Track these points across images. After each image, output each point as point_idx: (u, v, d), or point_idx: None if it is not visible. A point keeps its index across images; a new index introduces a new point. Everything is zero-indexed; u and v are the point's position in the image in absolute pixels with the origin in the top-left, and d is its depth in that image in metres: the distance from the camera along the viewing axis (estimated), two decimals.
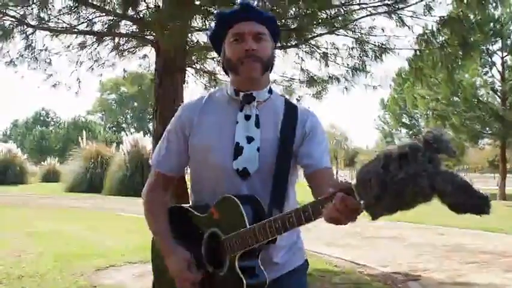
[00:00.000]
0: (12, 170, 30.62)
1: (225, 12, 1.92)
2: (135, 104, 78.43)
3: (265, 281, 1.77)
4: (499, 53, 24.00)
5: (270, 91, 1.95)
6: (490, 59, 23.94)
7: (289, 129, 1.88)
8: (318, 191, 1.79)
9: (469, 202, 1.19)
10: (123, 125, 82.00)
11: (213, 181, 1.87)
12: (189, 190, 2.09)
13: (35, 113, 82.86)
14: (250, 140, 1.85)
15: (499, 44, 23.77)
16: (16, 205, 15.93)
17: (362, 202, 1.36)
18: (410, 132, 31.67)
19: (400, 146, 1.27)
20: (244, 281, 1.72)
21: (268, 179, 1.83)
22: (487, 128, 24.12)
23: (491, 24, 21.84)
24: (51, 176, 32.01)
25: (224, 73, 2.01)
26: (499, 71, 24.17)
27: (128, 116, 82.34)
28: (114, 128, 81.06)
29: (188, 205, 2.00)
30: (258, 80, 1.88)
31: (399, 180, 1.23)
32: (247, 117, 1.88)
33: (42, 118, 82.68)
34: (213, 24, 1.98)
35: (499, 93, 24.18)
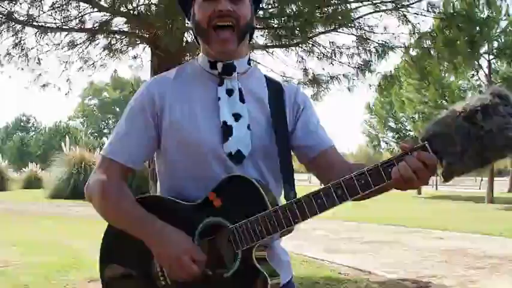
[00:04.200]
0: None
1: None
2: (117, 109, 77.69)
3: (279, 276, 1.48)
4: (486, 56, 24.01)
5: (249, 62, 1.67)
6: (476, 62, 23.95)
7: (278, 104, 1.62)
8: (328, 174, 1.55)
9: None
10: (105, 131, 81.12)
11: (197, 169, 1.54)
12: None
13: (15, 119, 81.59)
14: (237, 117, 1.56)
15: (485, 47, 23.80)
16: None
17: (443, 160, 1.22)
18: (397, 136, 31.66)
19: (478, 99, 1.19)
20: (269, 279, 1.40)
21: (263, 161, 1.57)
22: None
23: (477, 27, 21.90)
24: (33, 183, 31.29)
25: (196, 42, 1.67)
26: (485, 74, 24.19)
27: (110, 122, 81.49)
28: (95, 134, 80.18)
29: (163, 196, 1.62)
30: (234, 51, 1.57)
31: (486, 133, 1.15)
32: (230, 92, 1.58)
33: (22, 124, 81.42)
34: None
35: None
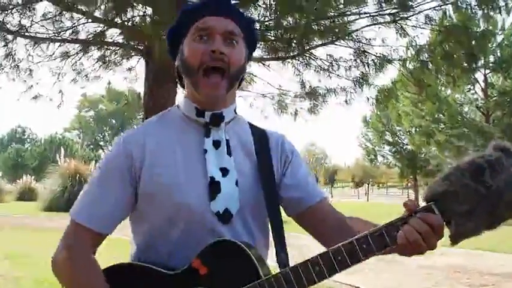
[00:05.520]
0: None
1: (192, 4, 1.47)
2: (113, 121, 77.62)
3: None
4: (482, 70, 24.07)
5: (235, 110, 1.54)
6: (472, 76, 23.99)
7: (264, 154, 1.50)
8: (320, 229, 1.49)
9: None
10: (101, 143, 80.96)
11: (178, 231, 1.39)
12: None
13: (10, 130, 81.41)
14: (225, 172, 1.42)
15: (481, 61, 23.84)
16: None
17: (451, 221, 1.16)
18: (394, 150, 31.58)
19: (482, 155, 1.13)
20: None
21: (252, 218, 1.45)
22: (472, 145, 24.11)
23: (474, 41, 21.92)
24: (27, 195, 31.05)
25: (179, 83, 1.54)
26: (482, 88, 24.24)
27: (106, 134, 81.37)
28: (91, 146, 79.97)
29: (140, 263, 1.43)
30: (223, 97, 1.44)
31: (494, 190, 1.10)
32: (217, 144, 1.45)
33: (18, 135, 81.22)
34: (175, 20, 1.50)
35: (482, 110, 24.24)
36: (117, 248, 3.61)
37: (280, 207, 1.49)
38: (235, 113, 1.54)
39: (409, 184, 41.49)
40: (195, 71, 1.40)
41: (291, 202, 1.50)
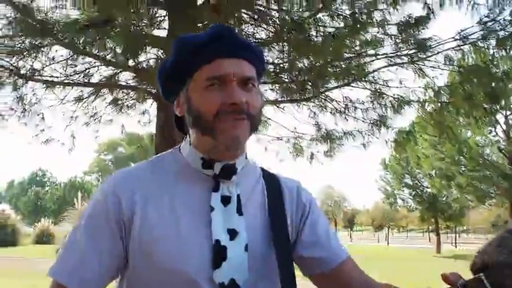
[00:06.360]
0: (4, 231, 29.78)
1: (196, 38, 1.22)
2: (132, 164, 78.15)
3: None
4: (502, 111, 23.76)
5: (246, 156, 1.32)
6: (493, 118, 23.66)
7: (278, 208, 1.29)
8: None
9: None
10: None
11: None
12: None
13: (31, 173, 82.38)
14: (233, 234, 1.20)
15: (502, 102, 23.53)
16: (3, 270, 15.03)
17: None
18: (414, 193, 31.01)
19: None
20: None
21: (261, 286, 1.22)
22: (495, 188, 23.57)
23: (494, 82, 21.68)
24: (44, 238, 31.08)
25: (178, 130, 1.32)
26: (503, 130, 23.87)
27: None
28: None
29: None
30: (244, 140, 1.23)
31: None
32: (226, 200, 1.23)
33: (38, 178, 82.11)
34: (173, 55, 1.24)
35: (504, 152, 23.79)
36: None
37: (294, 275, 1.26)
38: (246, 157, 1.32)
39: (430, 228, 40.60)
40: (209, 122, 1.19)
41: (310, 261, 1.29)
